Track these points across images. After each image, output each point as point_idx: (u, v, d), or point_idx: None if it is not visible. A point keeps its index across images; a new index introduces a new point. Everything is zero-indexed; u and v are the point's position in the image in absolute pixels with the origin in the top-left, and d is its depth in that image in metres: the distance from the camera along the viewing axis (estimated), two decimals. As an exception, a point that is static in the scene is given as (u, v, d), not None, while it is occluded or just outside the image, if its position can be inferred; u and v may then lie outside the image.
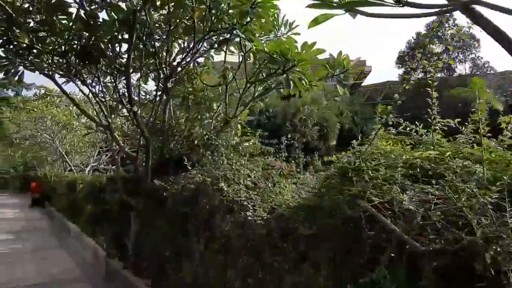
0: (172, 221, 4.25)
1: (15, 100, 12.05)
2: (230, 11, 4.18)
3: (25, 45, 4.32)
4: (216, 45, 4.79)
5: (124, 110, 5.57)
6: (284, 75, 3.99)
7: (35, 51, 4.46)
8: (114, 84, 5.22)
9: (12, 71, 4.59)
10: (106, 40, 4.68)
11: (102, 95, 5.28)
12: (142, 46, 4.76)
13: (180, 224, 4.02)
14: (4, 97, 27.74)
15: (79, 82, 5.08)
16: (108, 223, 8.30)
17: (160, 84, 4.97)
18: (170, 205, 4.27)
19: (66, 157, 12.46)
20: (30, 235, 10.26)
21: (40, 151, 16.38)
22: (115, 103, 5.51)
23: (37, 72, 4.76)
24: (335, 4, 1.64)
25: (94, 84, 5.30)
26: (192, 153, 5.06)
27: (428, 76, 2.59)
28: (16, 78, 4.72)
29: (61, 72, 4.89)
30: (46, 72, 4.79)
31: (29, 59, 4.54)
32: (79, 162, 13.66)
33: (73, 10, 4.31)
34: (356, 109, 27.51)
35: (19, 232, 10.85)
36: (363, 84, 34.13)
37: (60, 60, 4.82)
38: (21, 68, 4.63)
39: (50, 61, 4.71)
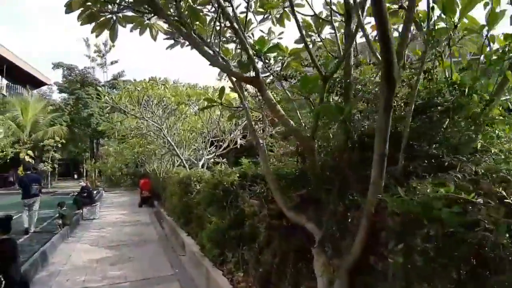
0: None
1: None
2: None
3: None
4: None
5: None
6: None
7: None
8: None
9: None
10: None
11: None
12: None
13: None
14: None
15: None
16: (250, 250, 4.95)
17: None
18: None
19: (176, 149, 9.73)
20: (134, 251, 7.63)
21: (147, 145, 14.52)
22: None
23: None
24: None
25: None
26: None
27: None
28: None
29: None
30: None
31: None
32: (190, 155, 10.91)
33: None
34: None
35: (122, 244, 8.40)
36: None
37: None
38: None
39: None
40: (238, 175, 5.77)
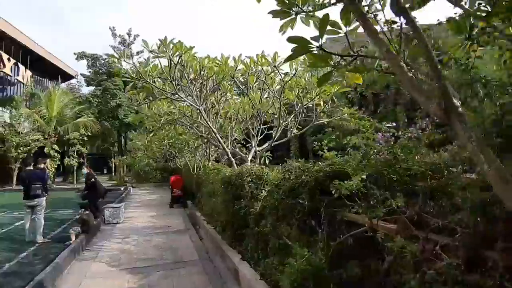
0: None
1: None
2: None
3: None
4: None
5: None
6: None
7: None
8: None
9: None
10: None
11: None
12: None
13: None
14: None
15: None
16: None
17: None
18: None
19: (219, 139, 7.40)
20: (168, 280, 5.41)
21: (178, 135, 12.40)
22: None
23: None
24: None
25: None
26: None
27: None
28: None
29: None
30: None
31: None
32: (235, 147, 8.55)
33: None
34: None
35: (151, 265, 6.22)
36: None
37: None
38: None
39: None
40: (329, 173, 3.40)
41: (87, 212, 8.16)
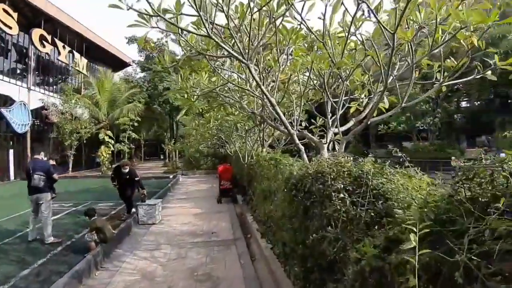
0: None
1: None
2: None
3: None
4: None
5: None
6: None
7: None
8: None
9: None
10: None
11: None
12: None
13: None
14: None
15: None
16: None
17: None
18: None
19: (280, 114, 4.79)
20: None
21: (225, 116, 10.11)
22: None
23: None
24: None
25: None
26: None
27: None
28: None
29: None
30: None
31: None
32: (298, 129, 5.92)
33: None
34: None
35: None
36: None
37: None
38: None
39: None
40: None
41: (95, 218, 6.26)
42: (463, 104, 30.80)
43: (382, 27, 2.91)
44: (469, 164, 1.60)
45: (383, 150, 29.94)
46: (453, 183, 1.58)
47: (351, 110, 5.53)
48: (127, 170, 8.84)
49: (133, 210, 9.01)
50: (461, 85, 24.93)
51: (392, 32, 2.85)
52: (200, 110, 21.24)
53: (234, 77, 7.08)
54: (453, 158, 22.14)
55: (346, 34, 3.95)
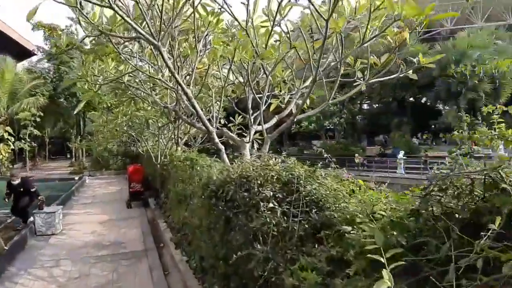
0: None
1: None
2: None
3: None
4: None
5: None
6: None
7: None
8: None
9: None
10: None
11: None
12: None
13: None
14: None
15: None
16: None
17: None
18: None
19: (197, 108, 4.19)
20: None
21: (135, 111, 9.06)
22: None
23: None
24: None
25: None
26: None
27: None
28: None
29: None
30: None
31: None
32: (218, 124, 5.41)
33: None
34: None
35: None
36: None
37: None
38: None
39: None
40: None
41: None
42: (365, 106, 34.00)
43: (317, 13, 2.57)
44: (445, 169, 1.29)
45: (296, 148, 31.78)
46: (422, 195, 1.25)
47: (271, 108, 5.24)
48: (17, 182, 7.58)
49: (30, 219, 7.56)
50: (365, 88, 27.60)
51: (326, 18, 2.53)
52: (109, 105, 19.23)
53: (145, 68, 6.26)
54: (356, 155, 24.27)
55: (272, 22, 3.58)
